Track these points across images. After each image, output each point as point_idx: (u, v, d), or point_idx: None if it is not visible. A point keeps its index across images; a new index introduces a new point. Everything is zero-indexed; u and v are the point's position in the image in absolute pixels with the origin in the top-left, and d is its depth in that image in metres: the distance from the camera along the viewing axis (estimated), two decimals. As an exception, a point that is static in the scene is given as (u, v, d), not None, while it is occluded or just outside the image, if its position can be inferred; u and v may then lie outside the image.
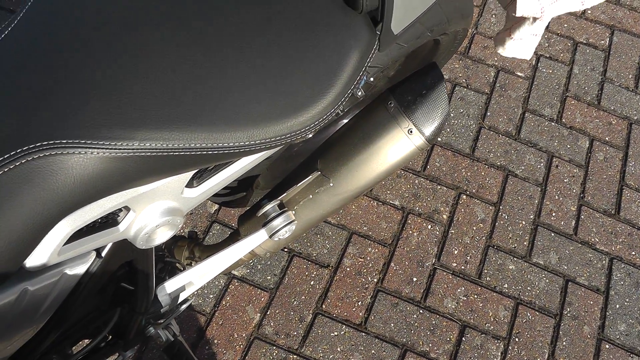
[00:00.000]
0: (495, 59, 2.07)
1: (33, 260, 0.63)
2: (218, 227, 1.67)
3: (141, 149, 0.61)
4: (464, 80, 2.01)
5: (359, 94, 1.09)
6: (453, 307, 1.62)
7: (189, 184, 0.78)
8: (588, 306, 1.67)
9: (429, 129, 0.97)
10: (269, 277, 1.60)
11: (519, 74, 2.05)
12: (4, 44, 0.63)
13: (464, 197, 1.79)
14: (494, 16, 2.17)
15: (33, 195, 0.57)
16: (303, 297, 1.59)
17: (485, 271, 1.68)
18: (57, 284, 0.70)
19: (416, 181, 1.80)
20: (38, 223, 0.58)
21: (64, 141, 0.58)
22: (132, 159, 0.62)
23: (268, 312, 1.56)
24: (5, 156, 0.55)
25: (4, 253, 0.57)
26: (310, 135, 0.74)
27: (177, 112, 0.63)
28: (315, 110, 0.71)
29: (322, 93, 0.71)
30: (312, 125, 0.71)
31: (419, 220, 1.74)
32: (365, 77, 0.88)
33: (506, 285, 1.67)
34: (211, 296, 1.56)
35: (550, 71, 2.08)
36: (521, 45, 1.04)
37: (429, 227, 1.73)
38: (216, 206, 1.70)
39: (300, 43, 0.71)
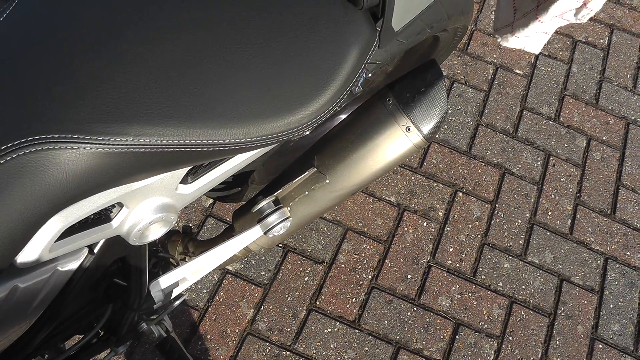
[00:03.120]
0: (494, 56, 2.06)
1: (24, 256, 0.62)
2: (212, 221, 1.66)
3: (135, 144, 0.60)
4: (462, 77, 2.00)
5: (357, 90, 1.08)
6: (447, 305, 1.62)
7: (184, 181, 0.76)
8: (582, 306, 1.67)
9: (427, 127, 0.96)
10: (263, 273, 1.60)
11: (517, 71, 2.05)
12: None
13: (460, 194, 1.79)
14: (493, 13, 2.16)
15: (24, 190, 0.56)
16: (297, 293, 1.58)
17: (480, 269, 1.68)
18: (49, 281, 0.69)
19: (412, 178, 1.79)
20: (29, 219, 0.57)
21: (56, 136, 0.56)
22: (126, 155, 0.60)
23: (262, 308, 1.55)
24: None
25: (-6, 249, 0.55)
26: (308, 133, 0.73)
27: (172, 108, 0.62)
28: (313, 108, 0.69)
29: (321, 90, 0.70)
30: (310, 123, 0.70)
31: (415, 217, 1.73)
32: (364, 74, 0.87)
33: (501, 284, 1.67)
34: (205, 291, 1.55)
35: (549, 69, 2.07)
36: (527, 41, 1.03)
37: (425, 224, 1.73)
38: (211, 201, 1.69)
39: (300, 39, 0.70)
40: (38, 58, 0.60)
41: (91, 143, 0.58)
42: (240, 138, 0.66)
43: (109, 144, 0.59)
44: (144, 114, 0.61)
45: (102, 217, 0.71)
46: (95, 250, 0.77)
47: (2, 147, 0.54)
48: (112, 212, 0.71)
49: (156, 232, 0.77)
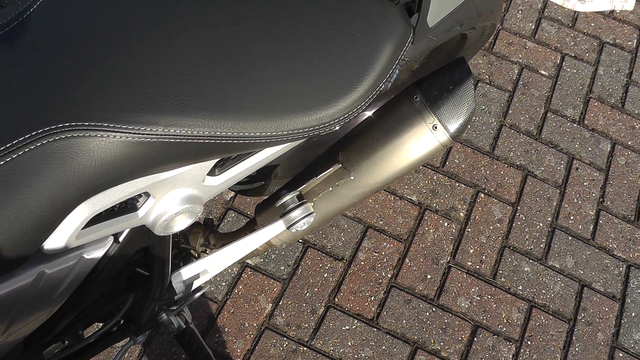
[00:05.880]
0: (520, 56, 2.04)
1: (51, 243, 0.62)
2: (233, 214, 1.66)
3: (165, 134, 0.60)
4: (487, 77, 1.98)
5: (383, 86, 1.07)
6: (466, 306, 1.60)
7: (211, 172, 0.76)
8: (603, 313, 1.64)
9: (453, 126, 0.95)
10: (283, 268, 1.59)
11: (542, 72, 2.02)
12: (29, 22, 0.62)
13: (482, 195, 1.77)
14: (520, 12, 2.13)
15: (53, 177, 0.56)
16: (316, 289, 1.57)
17: (500, 272, 1.66)
18: (74, 268, 0.69)
19: (435, 177, 1.78)
20: (57, 205, 0.57)
21: (86, 123, 0.56)
22: (155, 145, 0.60)
23: (280, 303, 1.55)
24: (27, 136, 0.54)
25: (22, 235, 0.56)
26: (338, 128, 0.73)
27: (204, 99, 0.62)
28: (345, 103, 0.69)
29: (354, 85, 0.69)
30: (342, 118, 0.69)
31: (436, 217, 1.72)
32: (397, 71, 0.86)
33: (521, 287, 1.65)
34: (224, 284, 1.56)
35: (575, 71, 2.04)
36: (595, 3, 1.01)
37: (446, 224, 1.71)
38: (232, 193, 1.69)
39: (334, 33, 0.69)
40: (69, 48, 0.60)
41: (121, 132, 0.58)
42: (272, 131, 0.65)
43: (139, 134, 0.58)
44: (175, 105, 0.60)
45: (128, 206, 0.71)
46: (121, 239, 0.77)
47: (33, 133, 0.54)
48: (138, 201, 0.71)
49: (181, 223, 0.77)
